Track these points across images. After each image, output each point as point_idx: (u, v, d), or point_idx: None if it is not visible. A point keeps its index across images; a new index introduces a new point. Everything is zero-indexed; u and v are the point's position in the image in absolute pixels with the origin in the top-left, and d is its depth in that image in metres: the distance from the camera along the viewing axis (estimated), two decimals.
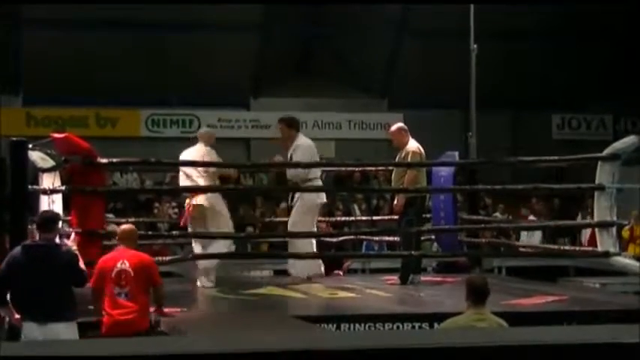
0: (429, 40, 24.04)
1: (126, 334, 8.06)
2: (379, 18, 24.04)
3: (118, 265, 8.47)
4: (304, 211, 12.09)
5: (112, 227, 12.49)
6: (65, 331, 7.92)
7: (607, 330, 5.14)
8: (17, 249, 8.24)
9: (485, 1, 19.41)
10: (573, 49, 24.81)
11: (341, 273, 13.79)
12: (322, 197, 12.40)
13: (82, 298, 8.88)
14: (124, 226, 9.16)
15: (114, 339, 7.67)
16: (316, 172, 12.35)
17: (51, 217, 8.52)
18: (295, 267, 12.38)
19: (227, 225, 11.78)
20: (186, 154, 11.88)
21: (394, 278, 12.36)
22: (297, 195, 12.28)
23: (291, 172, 12.23)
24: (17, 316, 8.13)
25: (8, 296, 8.17)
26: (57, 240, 8.65)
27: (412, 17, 24.09)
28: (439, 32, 23.29)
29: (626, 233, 15.67)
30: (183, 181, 11.94)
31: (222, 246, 11.77)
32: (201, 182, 11.67)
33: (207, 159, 11.70)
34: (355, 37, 24.65)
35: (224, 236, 11.80)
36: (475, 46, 18.07)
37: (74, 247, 8.71)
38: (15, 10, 22.37)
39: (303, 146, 12.21)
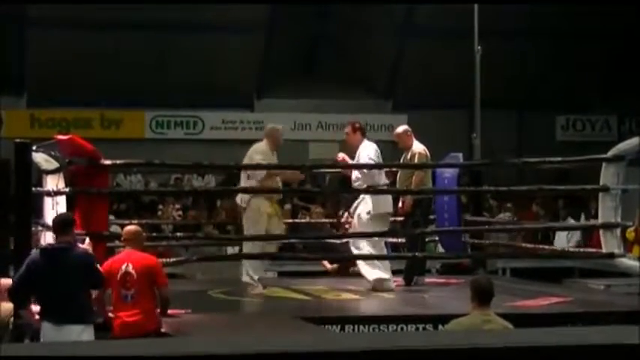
0: (433, 41, 24.03)
1: (136, 335, 8.11)
2: (383, 18, 24.04)
3: (123, 267, 8.51)
4: (369, 222, 11.65)
5: (113, 229, 12.51)
6: (82, 333, 7.95)
7: (611, 331, 5.13)
8: (36, 252, 8.30)
9: (488, 0, 19.39)
10: (578, 50, 24.78)
11: None
12: (389, 206, 11.94)
13: None
14: (129, 227, 9.15)
15: (114, 340, 7.72)
16: (382, 178, 11.88)
17: (66, 220, 8.55)
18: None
19: (253, 229, 11.66)
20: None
21: (398, 280, 12.35)
22: (360, 203, 11.81)
23: (356, 175, 11.81)
24: (37, 317, 8.19)
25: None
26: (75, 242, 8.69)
27: (416, 18, 24.08)
28: (443, 33, 23.28)
29: (630, 235, 15.63)
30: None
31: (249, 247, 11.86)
32: (245, 183, 11.73)
33: (255, 160, 11.66)
34: (359, 39, 24.67)
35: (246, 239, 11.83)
36: (479, 47, 18.07)
37: (90, 250, 8.74)
38: (18, 11, 22.39)
39: (364, 153, 11.81)
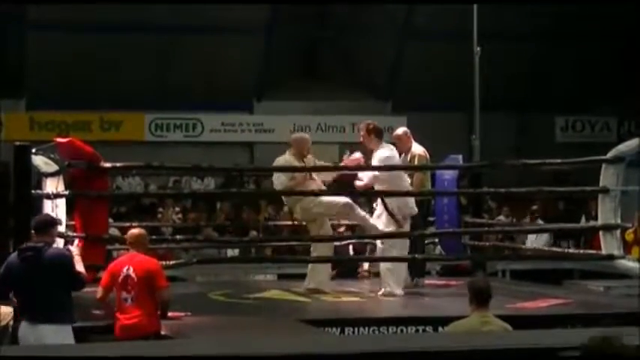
0: (433, 42, 24.02)
1: (135, 337, 8.13)
2: (383, 20, 24.04)
3: (124, 270, 8.54)
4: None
5: (112, 231, 12.51)
6: (55, 333, 7.95)
7: (610, 333, 5.13)
8: (15, 252, 8.33)
9: (488, 0, 19.39)
10: (577, 51, 24.78)
11: (367, 275, 13.78)
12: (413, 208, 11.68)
13: (88, 302, 8.93)
14: (133, 230, 9.15)
15: (112, 343, 7.75)
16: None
17: (45, 220, 8.57)
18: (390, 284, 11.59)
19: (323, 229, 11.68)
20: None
21: None
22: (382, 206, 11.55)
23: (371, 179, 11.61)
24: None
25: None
26: (56, 243, 8.69)
27: (416, 19, 24.08)
28: (442, 34, 23.28)
29: (629, 236, 15.63)
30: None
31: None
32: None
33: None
34: (359, 40, 24.66)
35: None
36: (478, 48, 18.07)
37: (76, 252, 8.71)
38: (18, 13, 22.39)
39: (379, 157, 11.53)
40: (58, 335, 7.95)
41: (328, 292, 11.61)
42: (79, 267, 8.35)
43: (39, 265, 8.09)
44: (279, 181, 11.65)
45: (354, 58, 25.31)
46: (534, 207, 19.43)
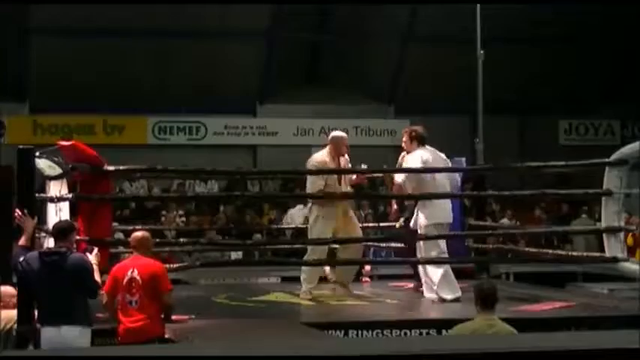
0: (436, 46, 24.04)
1: (139, 340, 8.15)
2: (385, 24, 24.05)
3: (129, 273, 8.55)
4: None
5: (117, 235, 12.52)
6: (79, 336, 8.04)
7: (615, 336, 5.13)
8: (32, 254, 8.38)
9: (489, 0, 19.39)
10: (581, 54, 24.79)
11: (369, 280, 13.78)
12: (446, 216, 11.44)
13: (93, 305, 8.94)
14: (136, 233, 9.16)
15: (114, 346, 7.77)
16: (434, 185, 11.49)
17: (65, 227, 8.67)
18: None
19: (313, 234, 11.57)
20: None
21: (409, 284, 12.40)
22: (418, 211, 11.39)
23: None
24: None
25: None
26: (74, 249, 8.75)
27: (418, 23, 24.09)
28: (445, 38, 23.29)
29: (631, 240, 15.62)
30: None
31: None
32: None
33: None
34: (362, 44, 24.67)
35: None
36: (482, 51, 18.07)
37: (94, 262, 8.77)
38: (22, 17, 22.41)
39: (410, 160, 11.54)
40: (81, 337, 8.05)
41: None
42: (96, 276, 8.43)
43: (63, 269, 8.21)
44: (310, 182, 11.55)
45: (357, 61, 25.32)
46: (585, 207, 19.45)
